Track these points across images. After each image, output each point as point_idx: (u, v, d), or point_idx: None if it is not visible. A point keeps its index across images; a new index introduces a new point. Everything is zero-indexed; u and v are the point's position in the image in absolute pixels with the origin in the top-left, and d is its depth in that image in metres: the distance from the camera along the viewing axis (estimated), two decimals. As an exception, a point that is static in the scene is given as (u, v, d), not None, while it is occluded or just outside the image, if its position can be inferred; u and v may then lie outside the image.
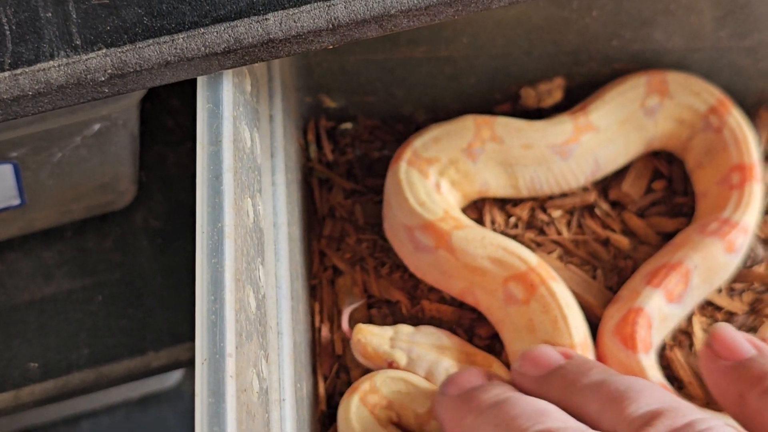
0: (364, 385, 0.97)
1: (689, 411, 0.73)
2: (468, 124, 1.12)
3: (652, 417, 0.72)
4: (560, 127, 1.13)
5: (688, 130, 1.16)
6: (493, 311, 1.03)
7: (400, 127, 1.22)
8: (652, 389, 0.77)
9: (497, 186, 1.13)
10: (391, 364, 0.98)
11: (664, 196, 1.18)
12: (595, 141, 1.13)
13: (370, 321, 1.07)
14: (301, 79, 1.14)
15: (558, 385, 0.82)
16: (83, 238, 1.18)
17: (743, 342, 0.83)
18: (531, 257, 1.03)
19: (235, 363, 0.70)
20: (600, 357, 1.02)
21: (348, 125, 1.21)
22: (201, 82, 0.81)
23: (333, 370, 1.05)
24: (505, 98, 1.21)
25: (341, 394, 1.03)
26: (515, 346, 1.02)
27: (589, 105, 1.15)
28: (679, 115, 1.16)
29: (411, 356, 0.98)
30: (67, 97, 0.78)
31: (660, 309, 1.04)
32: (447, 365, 0.99)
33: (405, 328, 1.00)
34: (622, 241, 1.14)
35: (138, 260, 1.17)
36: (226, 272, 0.73)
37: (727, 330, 0.84)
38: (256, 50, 0.79)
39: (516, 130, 1.12)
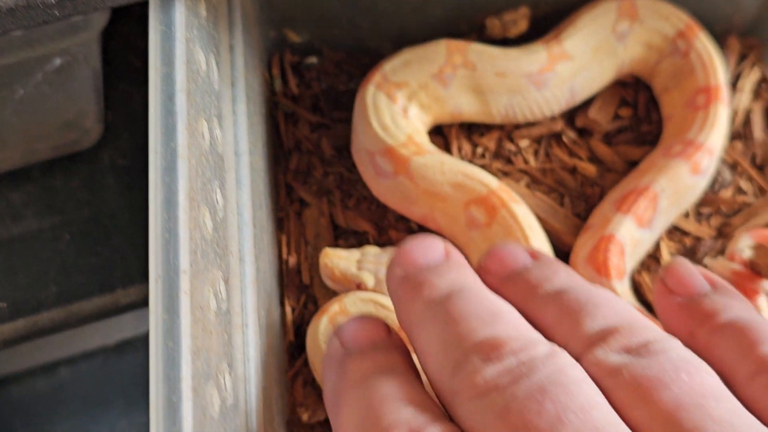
0: (334, 306, 0.98)
1: (647, 330, 0.70)
2: (440, 49, 1.11)
3: (606, 334, 0.69)
4: (534, 56, 1.12)
5: (657, 54, 1.16)
6: (456, 236, 1.04)
7: (366, 59, 1.21)
8: (612, 303, 0.74)
9: (470, 112, 1.12)
10: (359, 286, 0.99)
11: (631, 124, 1.18)
12: (570, 70, 1.12)
13: (337, 252, 1.08)
14: (263, 13, 1.13)
15: (520, 288, 0.79)
16: (51, 177, 1.18)
17: (698, 277, 0.80)
18: (491, 180, 1.03)
19: (189, 280, 0.70)
20: None
21: (313, 59, 1.20)
22: (153, 4, 0.80)
23: (300, 300, 1.05)
24: (471, 29, 1.20)
25: (309, 324, 1.04)
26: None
27: (562, 32, 1.14)
28: (649, 40, 1.15)
29: (379, 276, 0.99)
30: (17, 20, 0.77)
31: (631, 235, 1.04)
32: None
33: (371, 249, 1.01)
34: (589, 168, 1.14)
35: (106, 198, 1.17)
36: (180, 191, 0.73)
37: (682, 265, 0.81)
38: (206, -30, 0.78)
39: (490, 58, 1.11)
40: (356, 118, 1.09)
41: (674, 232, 1.11)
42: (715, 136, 1.08)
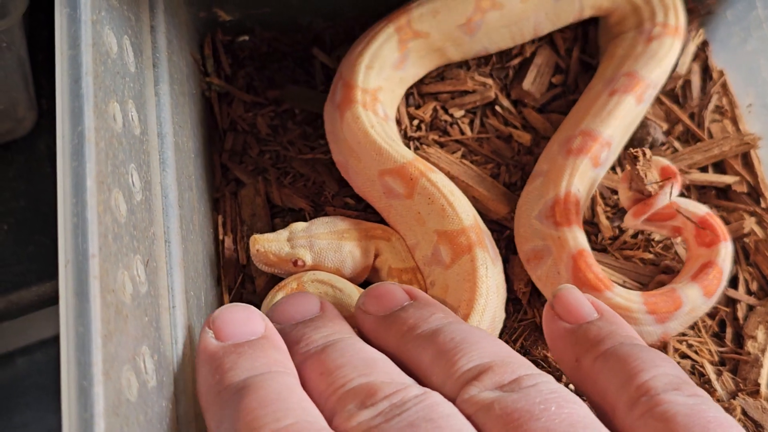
0: (292, 283, 0.98)
1: (519, 366, 0.73)
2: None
3: (480, 372, 0.72)
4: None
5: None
6: (374, 202, 1.05)
7: (299, 36, 1.21)
8: (486, 341, 0.76)
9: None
10: (296, 263, 0.99)
11: (563, 92, 1.18)
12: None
13: (273, 230, 1.07)
14: (192, -7, 1.13)
15: (397, 330, 0.81)
16: (-15, 168, 1.17)
17: (585, 305, 0.82)
18: (407, 153, 1.03)
19: (99, 264, 0.70)
20: (520, 236, 1.04)
21: (245, 38, 1.19)
22: (58, -13, 0.79)
23: (238, 280, 1.05)
24: (401, 1, 1.19)
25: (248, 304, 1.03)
26: (411, 240, 1.03)
27: None
28: None
29: (314, 251, 0.99)
30: None
31: (588, 176, 1.06)
32: (349, 248, 1.01)
33: (299, 225, 1.00)
34: (525, 136, 1.14)
35: (43, 186, 1.16)
36: (88, 175, 0.72)
37: (571, 292, 0.83)
38: (108, -50, 0.77)
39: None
40: None
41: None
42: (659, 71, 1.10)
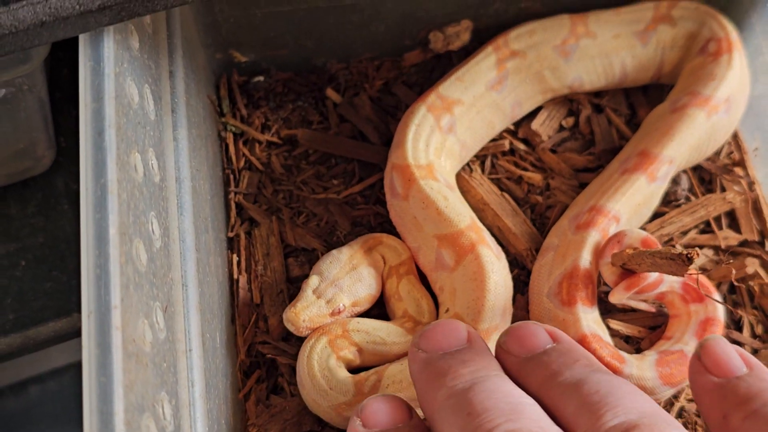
0: (336, 329, 1.01)
1: (666, 425, 0.70)
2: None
3: (626, 429, 0.69)
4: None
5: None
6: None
7: (314, 77, 1.23)
8: (632, 396, 0.74)
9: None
10: (339, 312, 1.01)
11: (574, 134, 1.21)
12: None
13: (287, 269, 1.09)
14: (209, 36, 1.15)
15: (540, 374, 0.79)
16: (5, 204, 1.19)
17: (734, 358, 0.78)
18: (409, 155, 1.07)
19: (121, 314, 0.72)
20: (533, 314, 1.06)
21: (260, 78, 1.22)
22: (82, 40, 0.82)
23: (252, 319, 1.07)
24: (415, 43, 1.22)
25: (261, 343, 1.05)
26: (411, 243, 1.08)
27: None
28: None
29: (345, 291, 1.02)
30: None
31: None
32: (366, 270, 1.04)
33: (312, 281, 1.02)
34: (535, 177, 1.16)
35: (60, 223, 1.18)
36: (110, 227, 0.74)
37: (720, 343, 0.79)
38: (131, 5, 0.80)
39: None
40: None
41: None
42: (673, 147, 1.11)
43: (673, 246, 1.10)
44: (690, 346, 1.01)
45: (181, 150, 0.98)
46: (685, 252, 0.91)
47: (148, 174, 0.85)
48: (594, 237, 1.04)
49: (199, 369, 0.90)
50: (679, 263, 0.92)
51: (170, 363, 0.83)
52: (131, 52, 0.86)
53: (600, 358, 0.97)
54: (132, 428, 0.70)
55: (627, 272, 1.01)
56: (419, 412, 0.80)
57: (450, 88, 1.13)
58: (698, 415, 1.02)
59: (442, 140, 1.10)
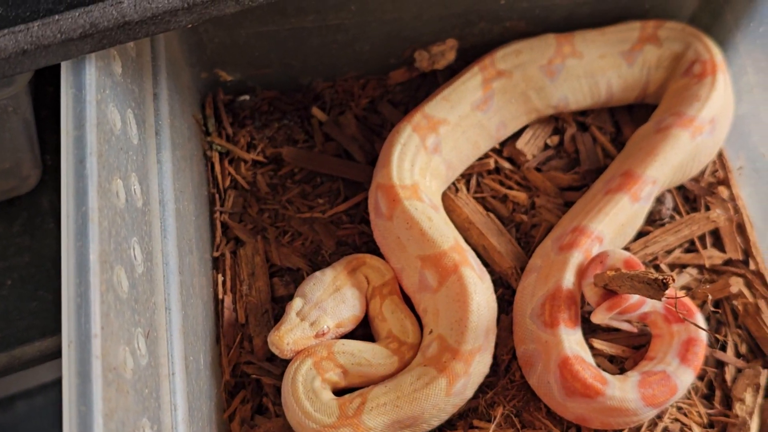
0: (321, 351, 1.01)
1: None
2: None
3: None
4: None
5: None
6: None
7: (300, 96, 1.24)
8: None
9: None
10: (324, 333, 1.02)
11: (559, 152, 1.21)
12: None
13: (272, 289, 1.10)
14: (194, 56, 1.15)
15: None
16: (-9, 224, 1.19)
17: None
18: (394, 175, 1.07)
19: (101, 343, 0.72)
20: (516, 336, 1.06)
21: (246, 97, 1.22)
22: (64, 67, 0.82)
23: (236, 339, 1.07)
24: (400, 62, 1.22)
25: (246, 363, 1.06)
26: (395, 263, 1.08)
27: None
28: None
29: (329, 313, 1.02)
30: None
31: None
32: (349, 291, 1.04)
33: (296, 303, 1.03)
34: (520, 196, 1.17)
35: (46, 242, 1.18)
36: (91, 255, 0.75)
37: None
38: (113, 33, 0.80)
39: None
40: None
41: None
42: (656, 168, 1.11)
43: (655, 267, 1.11)
44: (673, 366, 1.02)
45: (164, 172, 0.98)
46: (660, 277, 0.91)
47: (131, 200, 0.85)
48: (577, 258, 1.04)
49: (182, 392, 0.90)
50: (655, 288, 0.92)
51: (152, 388, 0.83)
52: (114, 77, 0.87)
53: (582, 381, 0.98)
54: (112, 457, 0.70)
55: (609, 293, 1.02)
56: None
57: (436, 107, 1.13)
58: (681, 436, 1.03)
59: (427, 160, 1.10)
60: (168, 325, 0.91)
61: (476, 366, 1.01)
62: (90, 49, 0.80)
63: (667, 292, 0.93)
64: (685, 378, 1.01)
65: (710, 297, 1.10)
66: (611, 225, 1.07)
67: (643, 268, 1.01)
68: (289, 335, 1.00)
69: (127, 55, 0.92)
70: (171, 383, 0.89)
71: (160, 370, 0.87)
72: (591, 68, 1.18)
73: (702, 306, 1.11)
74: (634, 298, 1.01)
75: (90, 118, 0.80)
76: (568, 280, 1.03)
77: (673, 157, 1.10)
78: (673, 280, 0.91)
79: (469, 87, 1.14)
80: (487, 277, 1.05)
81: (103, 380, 0.71)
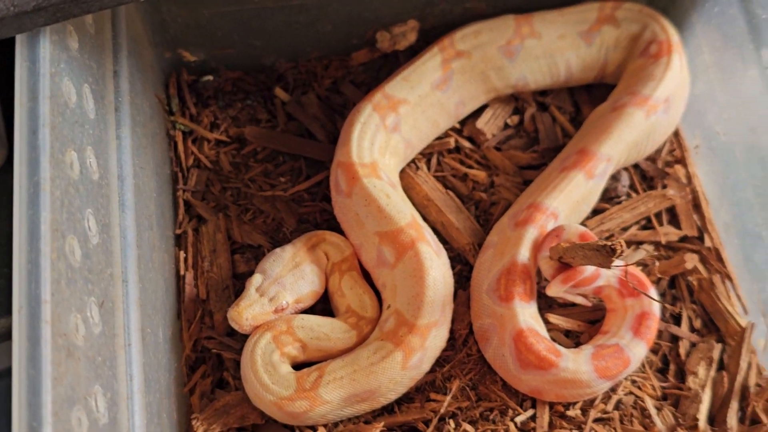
0: (281, 325, 1.03)
1: None
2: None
3: None
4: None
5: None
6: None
7: (263, 77, 1.25)
8: None
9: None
10: (283, 308, 1.03)
11: (518, 132, 1.23)
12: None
13: (233, 265, 1.11)
14: (157, 35, 1.16)
15: None
16: (-44, 202, 1.20)
17: None
18: (353, 153, 1.09)
19: (51, 309, 0.73)
20: (473, 311, 1.07)
21: (209, 78, 1.23)
22: (19, 40, 0.83)
23: (197, 315, 1.08)
24: (362, 43, 1.24)
25: (207, 338, 1.07)
26: (354, 239, 1.10)
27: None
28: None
29: (288, 289, 1.04)
30: None
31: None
32: (308, 267, 1.06)
33: (255, 279, 1.04)
34: (480, 174, 1.18)
35: (12, 219, 1.19)
36: (42, 224, 0.76)
37: None
38: (67, 6, 0.81)
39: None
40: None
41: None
42: (611, 145, 1.13)
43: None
44: (626, 340, 1.03)
45: (124, 148, 0.99)
46: (609, 243, 0.93)
47: (86, 172, 0.87)
48: (532, 233, 1.06)
49: (139, 363, 0.91)
50: (604, 254, 0.94)
51: (106, 357, 0.84)
52: (69, 52, 0.88)
53: (536, 353, 1.00)
54: (61, 420, 0.72)
55: (564, 266, 1.03)
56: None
57: (396, 87, 1.14)
58: (635, 407, 1.04)
59: (386, 139, 1.12)
60: (125, 297, 0.92)
61: (432, 340, 1.02)
62: (44, 22, 0.81)
63: (616, 260, 0.94)
64: (637, 351, 1.03)
65: (656, 267, 1.12)
66: (566, 201, 1.09)
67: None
68: (248, 310, 1.02)
69: (85, 31, 0.93)
70: (127, 354, 0.90)
71: (116, 340, 0.88)
72: (550, 48, 1.19)
73: (658, 282, 1.12)
74: (589, 271, 1.02)
75: (43, 90, 0.81)
76: (523, 255, 1.05)
77: (628, 135, 1.12)
78: (621, 245, 0.93)
79: (428, 67, 1.16)
80: (444, 253, 1.07)
81: (53, 345, 0.73)
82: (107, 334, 0.86)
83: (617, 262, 0.96)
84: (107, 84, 0.99)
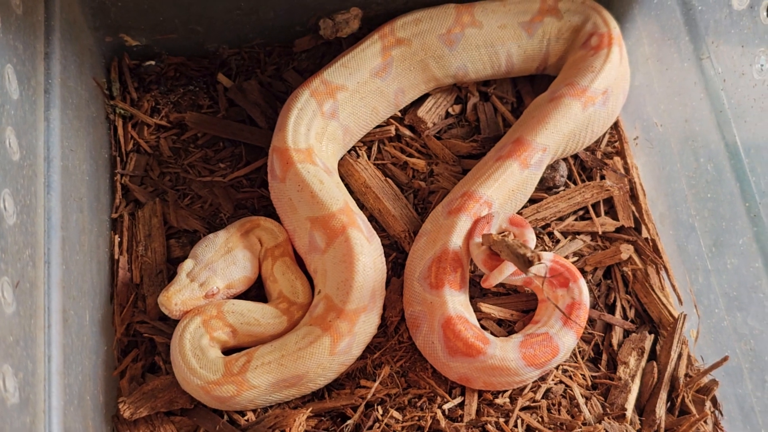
0: (211, 310, 1.03)
1: None
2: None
3: None
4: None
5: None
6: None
7: (206, 62, 1.25)
8: None
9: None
10: (214, 293, 1.04)
11: (459, 121, 1.23)
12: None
13: (168, 250, 1.11)
14: (97, 19, 1.16)
15: None
16: None
17: None
18: (289, 138, 1.09)
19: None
20: (406, 298, 1.08)
21: (152, 63, 1.23)
22: (-65, 19, 0.83)
23: (130, 299, 1.08)
24: (305, 30, 1.24)
25: (139, 323, 1.07)
26: (287, 225, 1.10)
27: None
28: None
29: (218, 274, 1.04)
30: None
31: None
32: (241, 253, 1.06)
33: (186, 264, 1.04)
34: (419, 163, 1.18)
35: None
36: (-51, 201, 0.76)
37: None
38: (-18, -15, 0.81)
39: None
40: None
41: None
42: (546, 135, 1.13)
43: (549, 234, 1.13)
44: (555, 329, 1.04)
45: (52, 130, 0.99)
46: (528, 254, 0.93)
47: (4, 152, 0.87)
48: (464, 221, 1.06)
49: (59, 344, 0.91)
50: (522, 262, 0.94)
51: (20, 337, 0.84)
52: (-10, 31, 0.88)
53: (464, 340, 1.00)
54: (-40, 397, 0.72)
55: (495, 254, 1.03)
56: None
57: (334, 73, 1.14)
58: (564, 396, 1.04)
59: (323, 125, 1.12)
60: (46, 279, 0.92)
61: (361, 326, 1.03)
62: (-43, 1, 0.81)
63: (535, 270, 0.95)
64: (566, 340, 1.03)
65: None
66: (500, 190, 1.09)
67: (528, 226, 1.03)
68: (178, 296, 1.02)
69: (9, 12, 0.93)
70: (46, 335, 0.90)
71: (34, 320, 0.88)
72: (490, 38, 1.19)
73: (594, 272, 1.13)
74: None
75: (-43, 68, 0.81)
76: (455, 242, 1.05)
77: (564, 126, 1.12)
78: (539, 259, 0.93)
79: (368, 54, 1.16)
80: (377, 240, 1.07)
81: (-45, 322, 0.73)
82: (22, 314, 0.85)
83: (539, 267, 0.97)
84: (37, 66, 0.99)
